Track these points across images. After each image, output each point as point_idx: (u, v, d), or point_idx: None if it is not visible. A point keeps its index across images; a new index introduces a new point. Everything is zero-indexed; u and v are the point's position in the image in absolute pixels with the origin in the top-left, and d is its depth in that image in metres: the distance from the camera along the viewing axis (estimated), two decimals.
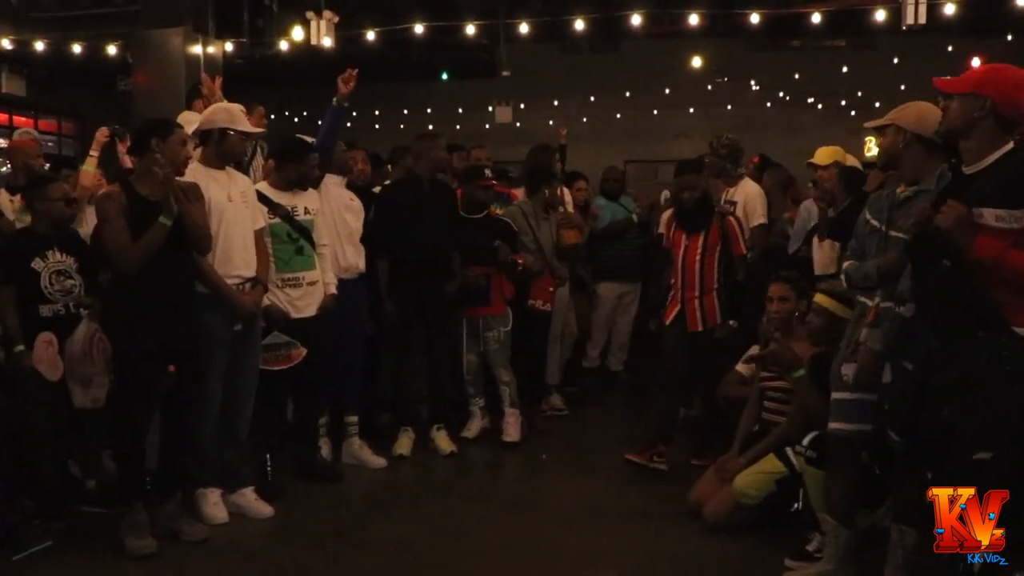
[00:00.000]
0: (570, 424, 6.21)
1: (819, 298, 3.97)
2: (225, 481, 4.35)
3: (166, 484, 4.09)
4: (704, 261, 4.97)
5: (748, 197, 5.56)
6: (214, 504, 4.26)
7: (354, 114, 13.40)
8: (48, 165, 5.58)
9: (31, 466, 4.23)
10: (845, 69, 11.47)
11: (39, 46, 10.55)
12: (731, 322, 5.07)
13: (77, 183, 4.93)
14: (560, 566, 3.85)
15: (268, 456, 4.73)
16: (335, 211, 5.00)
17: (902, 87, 11.12)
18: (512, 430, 5.57)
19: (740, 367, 4.83)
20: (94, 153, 4.94)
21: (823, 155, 5.45)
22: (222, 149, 4.32)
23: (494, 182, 5.81)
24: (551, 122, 12.51)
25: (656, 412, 5.22)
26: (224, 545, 4.02)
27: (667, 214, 5.39)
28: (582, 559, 3.91)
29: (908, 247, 3.11)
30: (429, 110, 13.14)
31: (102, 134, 5.02)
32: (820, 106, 12.34)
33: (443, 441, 5.38)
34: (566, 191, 6.58)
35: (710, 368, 5.07)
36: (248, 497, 4.37)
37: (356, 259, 5.08)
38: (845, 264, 3.71)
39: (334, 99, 4.91)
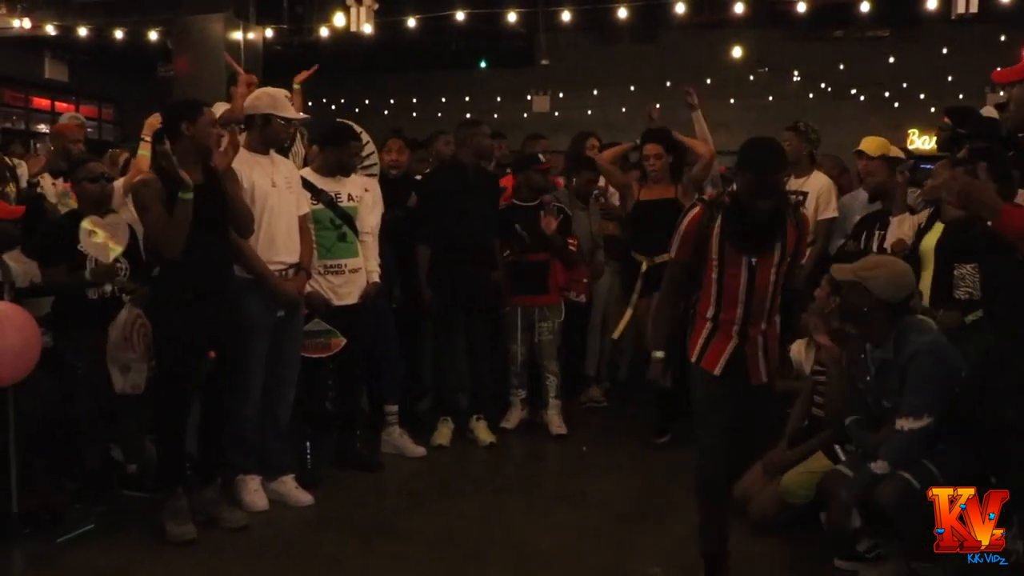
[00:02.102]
0: (610, 417, 6.13)
1: (835, 270, 3.80)
2: (265, 468, 4.33)
3: (206, 470, 4.10)
4: (777, 280, 3.35)
5: (821, 189, 5.42)
6: (254, 491, 4.25)
7: (391, 102, 13.49)
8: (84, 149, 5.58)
9: (75, 449, 4.25)
10: (892, 60, 11.26)
11: (82, 32, 10.64)
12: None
13: (135, 168, 4.94)
14: (602, 562, 3.79)
15: (308, 444, 4.71)
16: None
17: (949, 78, 10.95)
18: (558, 422, 5.52)
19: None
20: (147, 138, 4.94)
21: (872, 145, 5.32)
22: (265, 135, 4.30)
23: (550, 167, 5.75)
24: (589, 112, 12.51)
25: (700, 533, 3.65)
26: (263, 533, 4.01)
27: (690, 221, 3.37)
28: (624, 555, 3.86)
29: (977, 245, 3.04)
30: (467, 98, 13.13)
31: (155, 119, 5.01)
32: (863, 97, 12.17)
33: (483, 432, 5.33)
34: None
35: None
36: (288, 485, 4.35)
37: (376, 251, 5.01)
38: (849, 420, 3.71)
39: None
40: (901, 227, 4.78)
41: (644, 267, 5.37)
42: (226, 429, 4.14)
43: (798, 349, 4.65)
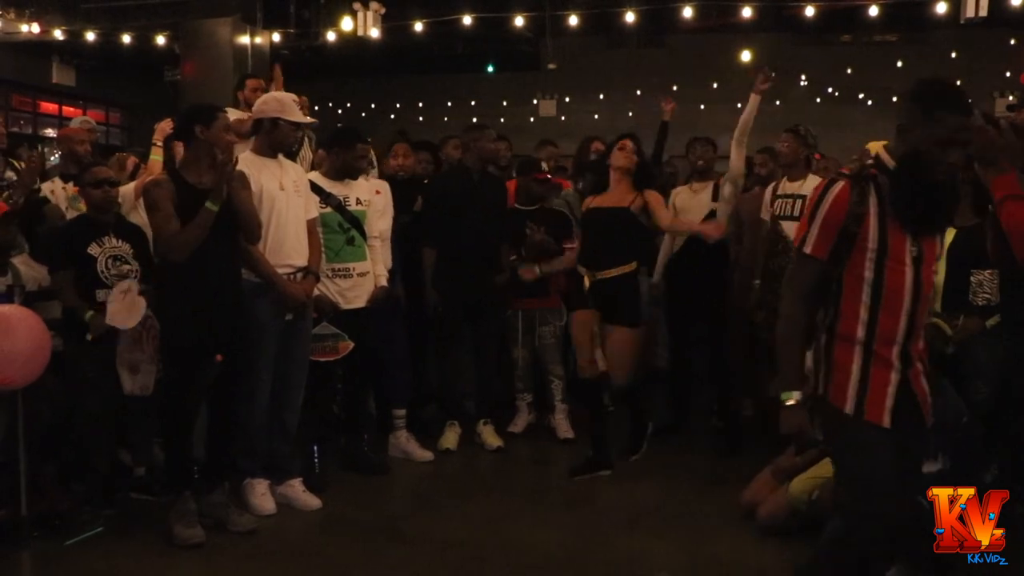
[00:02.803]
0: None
1: None
2: (273, 472, 4.33)
3: (213, 473, 4.09)
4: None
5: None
6: (262, 495, 4.25)
7: (397, 106, 13.51)
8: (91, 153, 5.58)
9: (83, 453, 4.25)
10: (900, 64, 11.24)
11: (90, 36, 10.68)
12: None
13: (147, 172, 4.96)
14: (611, 568, 3.77)
15: (315, 447, 4.71)
16: None
17: (958, 83, 10.92)
18: (565, 426, 5.51)
19: None
20: (158, 143, 4.95)
21: (879, 147, 5.31)
22: (273, 139, 4.30)
23: (549, 176, 5.73)
24: (596, 116, 12.52)
25: None
26: (271, 537, 4.00)
27: (835, 201, 2.59)
28: (633, 561, 3.83)
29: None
30: (473, 102, 13.15)
31: (167, 124, 5.02)
32: (870, 102, 12.15)
33: (490, 436, 5.32)
34: None
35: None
36: (296, 489, 4.35)
37: (384, 256, 5.01)
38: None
39: None
40: None
41: (586, 283, 4.86)
42: (234, 433, 4.14)
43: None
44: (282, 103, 4.33)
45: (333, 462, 4.82)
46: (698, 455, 5.25)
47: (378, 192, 5.04)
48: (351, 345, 4.63)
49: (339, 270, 4.64)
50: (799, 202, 5.38)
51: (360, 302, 4.71)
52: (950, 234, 4.12)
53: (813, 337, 2.68)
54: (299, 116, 4.36)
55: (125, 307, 4.02)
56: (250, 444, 4.23)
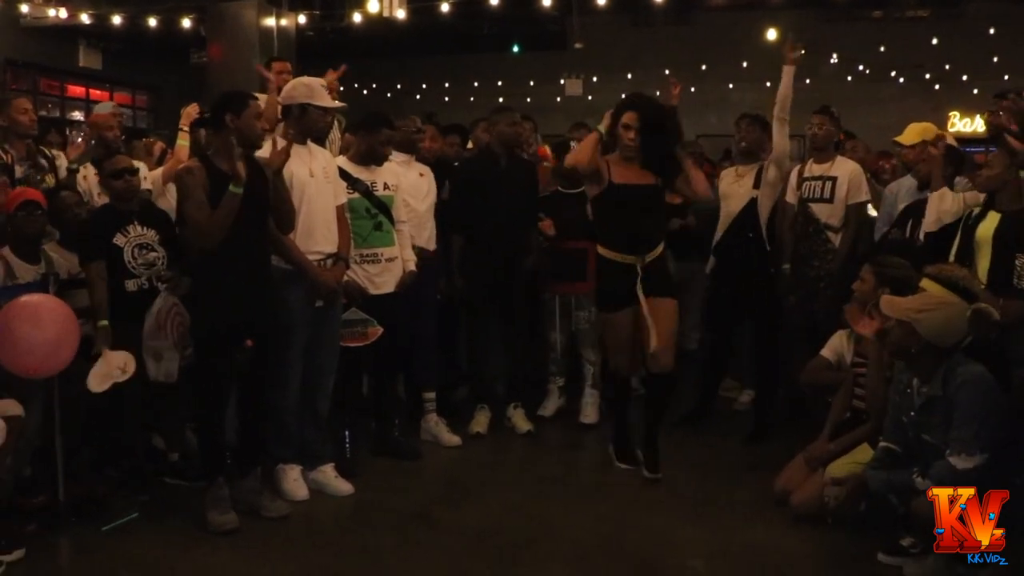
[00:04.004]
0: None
1: (924, 283, 3.74)
2: (305, 458, 4.35)
3: (246, 459, 4.12)
4: None
5: (852, 173, 5.31)
6: (294, 480, 4.27)
7: (424, 87, 13.46)
8: (123, 137, 5.60)
9: (118, 438, 4.29)
10: (935, 41, 10.99)
11: (116, 20, 10.70)
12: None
13: (174, 158, 4.96)
14: (643, 554, 3.76)
15: (347, 433, 4.72)
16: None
17: (995, 59, 10.69)
18: (592, 411, 5.49)
19: (826, 352, 4.65)
20: (185, 128, 4.95)
21: (909, 134, 5.21)
22: (302, 124, 4.29)
23: None
24: (623, 96, 12.38)
25: None
26: (304, 522, 4.03)
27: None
28: (667, 548, 3.83)
29: None
30: (499, 83, 13.06)
31: (193, 109, 5.02)
32: (902, 80, 11.94)
33: (520, 420, 5.32)
34: None
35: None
36: (328, 474, 4.37)
37: (421, 240, 5.01)
38: (882, 443, 3.60)
39: None
40: (943, 202, 4.68)
41: (638, 269, 4.46)
42: (266, 419, 4.15)
43: (839, 340, 4.58)
44: (311, 88, 4.31)
45: (364, 447, 4.83)
46: (728, 441, 5.22)
47: (421, 175, 5.04)
48: (380, 330, 4.63)
49: (367, 255, 4.63)
50: (828, 184, 5.30)
51: (389, 287, 4.70)
52: (995, 218, 4.05)
53: None
54: (328, 101, 4.34)
55: (100, 374, 3.95)
56: (282, 430, 4.24)
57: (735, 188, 5.36)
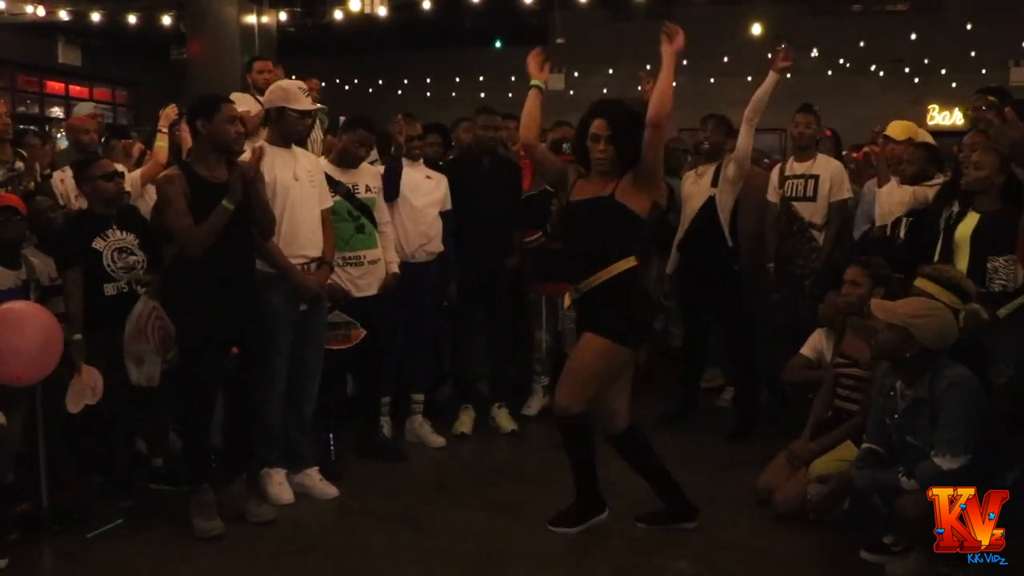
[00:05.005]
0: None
1: (921, 282, 3.73)
2: (290, 461, 4.35)
3: (231, 464, 4.11)
4: None
5: (834, 171, 5.36)
6: (279, 484, 4.27)
7: (405, 82, 13.42)
8: (104, 138, 5.56)
9: (100, 445, 4.27)
10: (913, 36, 11.04)
11: (95, 16, 10.61)
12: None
13: (152, 159, 4.93)
14: (628, 554, 3.79)
15: (331, 435, 4.72)
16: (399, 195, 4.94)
17: (972, 53, 10.77)
18: None
19: (805, 351, 4.70)
20: (163, 129, 4.93)
21: (899, 129, 5.26)
22: (282, 128, 4.28)
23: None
24: (604, 91, 12.40)
25: None
26: (291, 526, 4.03)
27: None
28: (650, 547, 3.85)
29: None
30: (481, 78, 13.03)
31: (172, 110, 4.99)
32: (882, 73, 12.00)
33: (504, 419, 5.34)
34: None
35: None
36: (313, 478, 4.37)
37: (424, 240, 5.01)
38: (864, 446, 3.61)
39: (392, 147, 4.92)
40: (891, 198, 4.74)
41: (567, 302, 3.94)
42: (251, 423, 4.15)
43: (818, 338, 4.63)
44: (286, 92, 4.29)
45: (349, 450, 4.83)
46: (711, 439, 5.25)
47: (429, 177, 5.07)
48: (363, 333, 4.63)
49: (350, 258, 4.63)
50: (811, 182, 5.34)
51: (372, 290, 4.70)
52: (974, 218, 4.08)
53: None
54: (304, 104, 4.30)
55: (76, 393, 3.93)
56: (267, 434, 4.24)
57: (695, 188, 5.40)
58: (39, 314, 3.73)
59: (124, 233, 4.31)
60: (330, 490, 4.35)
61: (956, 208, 4.23)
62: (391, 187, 4.84)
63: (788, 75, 11.66)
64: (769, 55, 11.09)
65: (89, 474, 4.30)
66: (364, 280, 4.68)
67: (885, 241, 4.73)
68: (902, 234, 4.66)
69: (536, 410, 5.66)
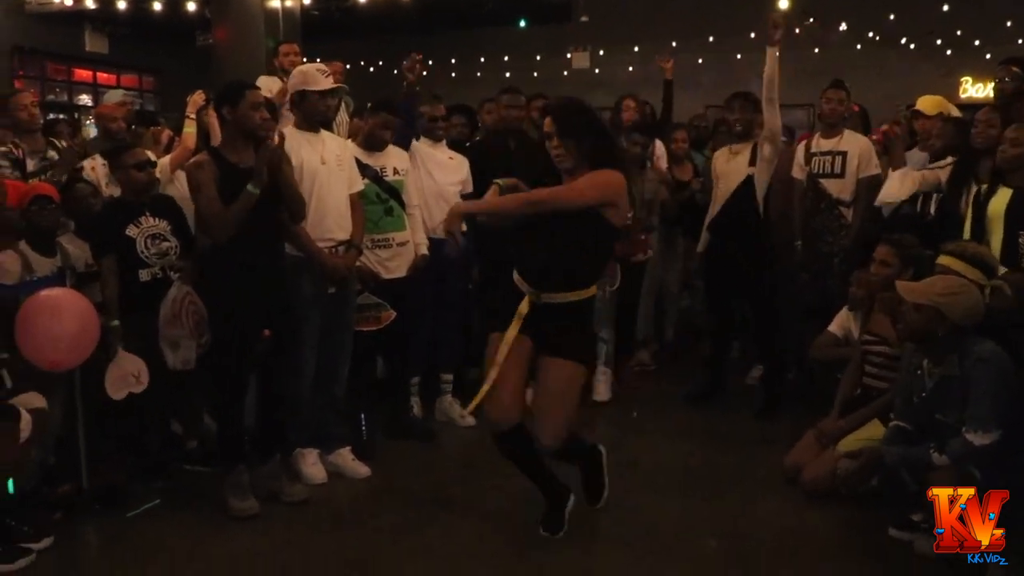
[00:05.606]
0: (659, 381, 6.14)
1: (945, 260, 3.69)
2: (322, 442, 4.41)
3: (264, 446, 4.18)
4: None
5: (862, 147, 5.30)
6: (312, 464, 4.34)
7: (430, 62, 13.36)
8: (131, 126, 5.62)
9: (137, 426, 4.36)
10: (945, 8, 10.79)
11: (121, 4, 10.69)
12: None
13: (181, 145, 4.99)
14: (656, 533, 3.81)
15: (362, 416, 4.78)
16: (420, 171, 4.98)
17: (1008, 23, 10.56)
18: (602, 388, 5.54)
19: (833, 328, 4.69)
20: (191, 116, 4.98)
21: (929, 104, 5.20)
22: (305, 111, 4.31)
23: None
24: (630, 68, 12.33)
25: None
26: (324, 505, 4.10)
27: None
28: (678, 526, 3.88)
29: None
30: (506, 57, 12.96)
31: (200, 97, 5.05)
32: (913, 46, 11.78)
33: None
34: (659, 144, 6.34)
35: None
36: (345, 457, 4.43)
37: (444, 216, 5.00)
38: (892, 424, 3.59)
39: (405, 84, 4.91)
40: (903, 183, 4.70)
41: (524, 306, 3.51)
42: (283, 405, 4.21)
43: (846, 315, 4.61)
44: (305, 74, 4.32)
45: (379, 429, 4.89)
46: (738, 418, 5.26)
47: (451, 159, 5.10)
48: (393, 314, 4.67)
49: (379, 240, 4.67)
50: (839, 159, 5.29)
51: (401, 272, 4.75)
52: (1006, 194, 4.04)
53: None
54: (324, 84, 4.30)
55: (116, 379, 4.03)
56: (299, 416, 4.30)
57: (730, 167, 5.35)
58: (76, 301, 3.80)
59: (157, 220, 4.37)
60: (362, 469, 4.42)
61: (975, 186, 4.18)
62: (410, 119, 4.87)
63: (816, 49, 11.50)
64: (796, 29, 10.98)
65: (125, 456, 4.38)
66: (393, 262, 4.73)
67: (916, 218, 4.69)
68: (932, 210, 4.61)
69: None
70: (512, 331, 3.50)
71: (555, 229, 3.45)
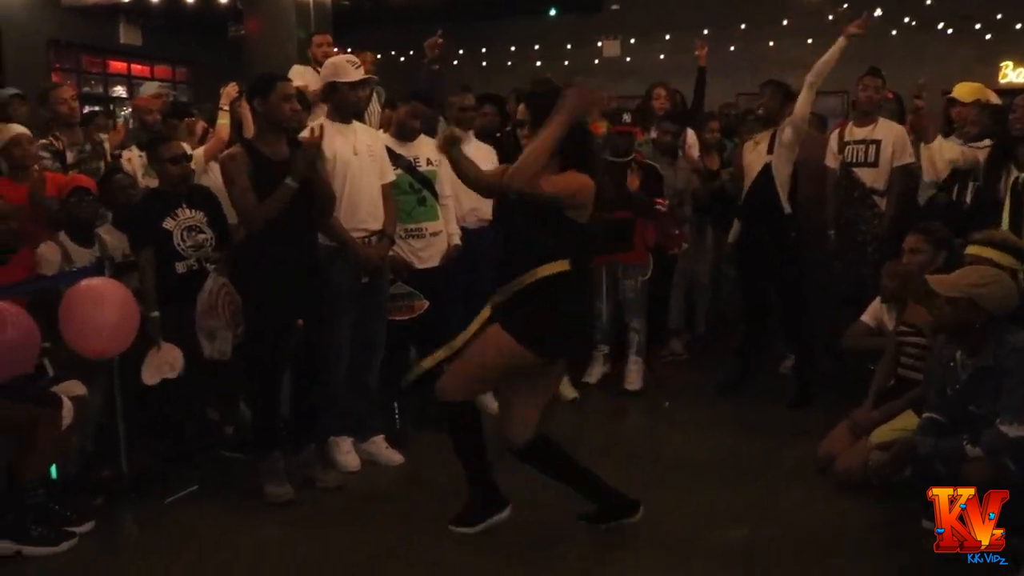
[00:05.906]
0: (691, 371, 6.13)
1: (975, 249, 3.67)
2: (356, 430, 4.46)
3: (299, 434, 4.23)
4: None
5: (896, 135, 5.24)
6: (347, 452, 4.39)
7: (460, 52, 13.41)
8: (164, 117, 5.68)
9: (174, 413, 4.43)
10: None
11: None
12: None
13: (215, 137, 5.05)
14: (688, 523, 3.81)
15: (396, 404, 4.82)
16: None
17: None
18: (635, 378, 5.55)
19: (866, 318, 4.65)
20: (225, 107, 5.04)
21: (966, 91, 5.14)
22: (336, 102, 4.34)
23: (635, 128, 5.64)
24: (661, 56, 12.26)
25: None
26: (358, 492, 4.15)
27: None
28: (710, 516, 3.87)
29: None
30: (536, 46, 12.93)
31: (233, 88, 5.10)
32: (950, 31, 11.60)
33: (566, 388, 5.37)
34: (691, 132, 6.32)
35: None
36: (379, 445, 4.48)
37: (475, 204, 5.01)
38: (925, 416, 3.56)
39: (424, 61, 4.90)
40: (941, 154, 4.62)
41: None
42: (318, 394, 4.26)
43: (878, 305, 4.57)
44: (335, 66, 4.35)
45: (412, 417, 4.93)
46: (771, 407, 5.24)
47: (478, 148, 5.09)
48: (426, 304, 4.70)
49: (412, 230, 4.70)
50: (872, 147, 5.24)
51: (434, 261, 4.77)
52: None
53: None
54: (354, 75, 4.32)
55: (153, 366, 4.12)
56: (333, 404, 4.35)
57: (753, 156, 5.32)
58: (117, 290, 3.87)
59: (193, 211, 4.43)
60: (396, 457, 4.46)
61: (1015, 172, 4.12)
62: (429, 97, 4.89)
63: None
64: (831, 16, 10.85)
65: (162, 442, 4.46)
66: (426, 252, 4.75)
67: (951, 207, 4.64)
68: (968, 199, 4.56)
69: (597, 378, 5.71)
70: (486, 310, 3.50)
71: (518, 216, 3.42)
